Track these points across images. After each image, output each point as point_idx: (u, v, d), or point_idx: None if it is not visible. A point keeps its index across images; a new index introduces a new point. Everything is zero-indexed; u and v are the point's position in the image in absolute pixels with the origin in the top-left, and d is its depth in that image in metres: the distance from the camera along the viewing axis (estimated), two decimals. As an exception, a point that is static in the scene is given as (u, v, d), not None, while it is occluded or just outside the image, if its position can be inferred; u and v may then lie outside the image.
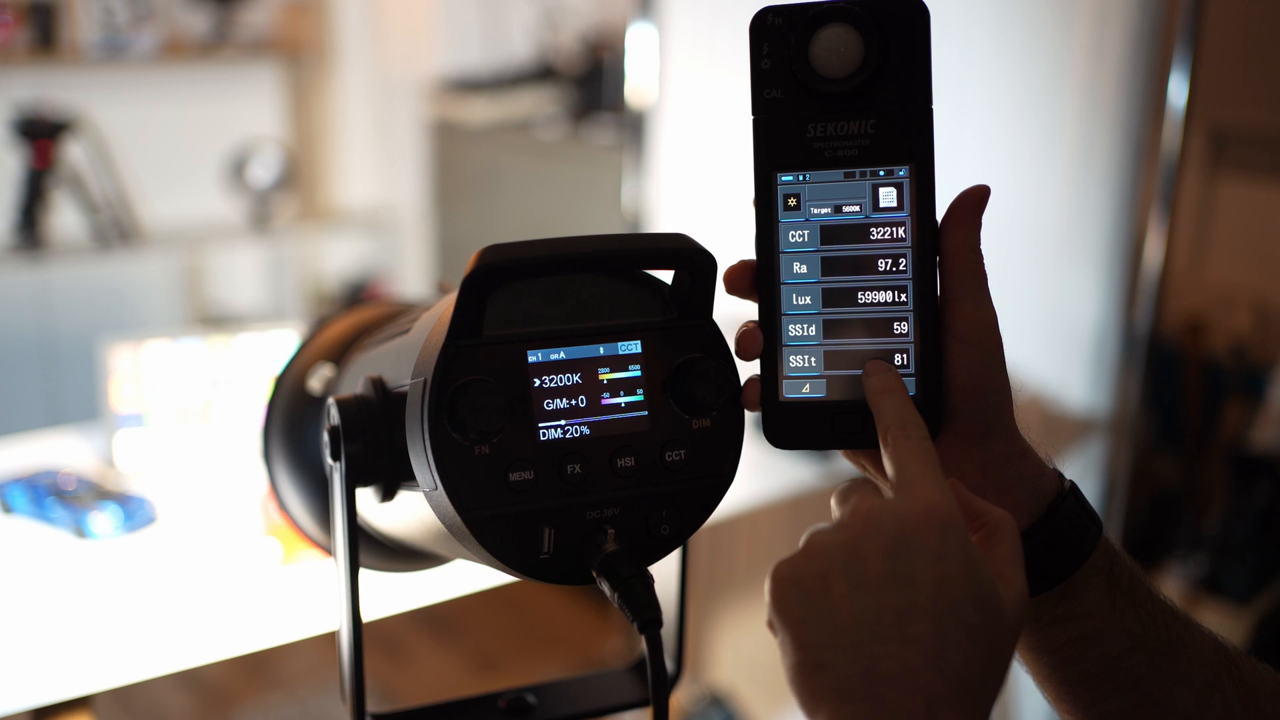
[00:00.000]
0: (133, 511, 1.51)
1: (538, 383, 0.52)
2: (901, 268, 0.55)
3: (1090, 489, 2.06)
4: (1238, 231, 2.84)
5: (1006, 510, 0.55)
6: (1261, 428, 2.57)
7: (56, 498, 1.52)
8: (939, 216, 0.56)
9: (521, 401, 0.51)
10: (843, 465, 1.80)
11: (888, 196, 0.55)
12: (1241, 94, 2.72)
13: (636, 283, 0.55)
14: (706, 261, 0.54)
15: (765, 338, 0.56)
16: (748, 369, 0.58)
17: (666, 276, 0.56)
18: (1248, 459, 2.52)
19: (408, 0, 4.02)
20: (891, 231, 0.55)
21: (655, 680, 0.51)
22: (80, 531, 1.47)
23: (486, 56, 3.93)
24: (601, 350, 0.53)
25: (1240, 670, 0.57)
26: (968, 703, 0.44)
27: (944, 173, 0.56)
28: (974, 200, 0.55)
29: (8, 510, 1.53)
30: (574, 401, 0.53)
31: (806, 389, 0.56)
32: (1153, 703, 0.56)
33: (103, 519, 1.48)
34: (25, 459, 1.68)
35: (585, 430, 0.52)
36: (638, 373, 0.54)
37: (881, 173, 0.55)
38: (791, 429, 0.57)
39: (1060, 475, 0.58)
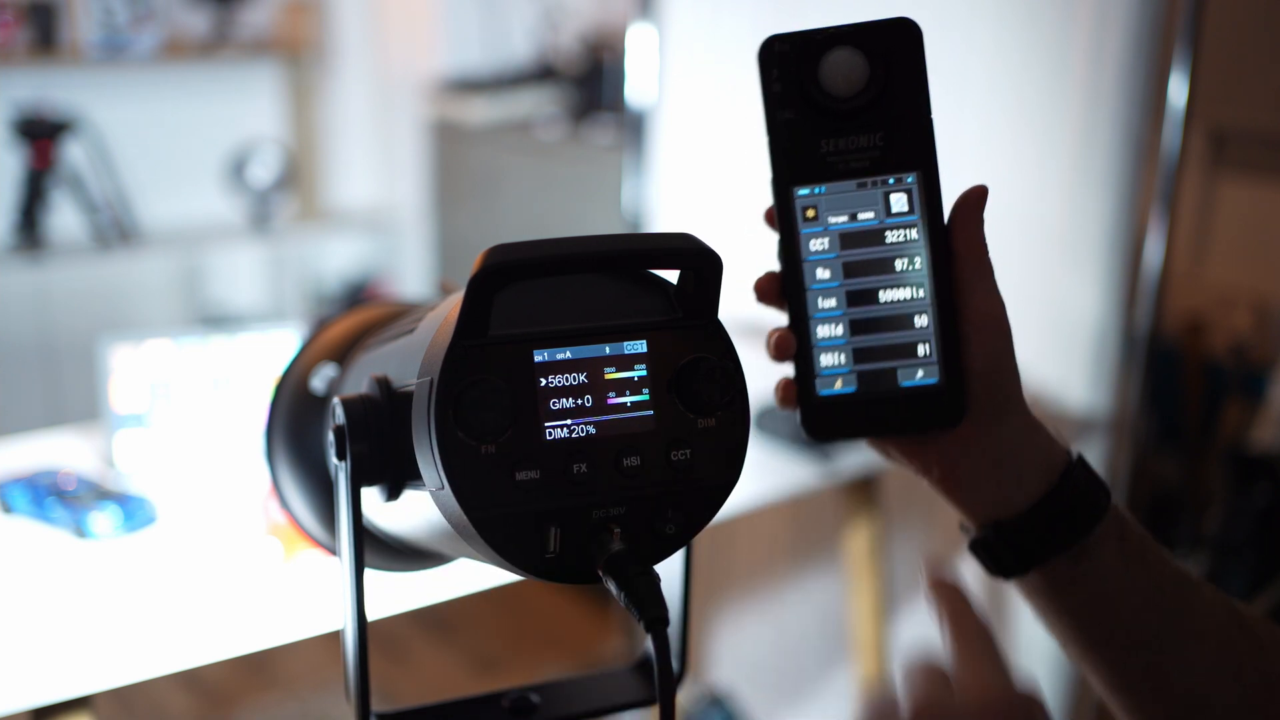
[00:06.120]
0: (133, 511, 1.51)
1: (544, 382, 0.52)
2: (917, 266, 0.60)
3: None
4: (1238, 231, 2.84)
5: (1023, 479, 0.60)
6: (1261, 428, 2.57)
7: (56, 498, 1.51)
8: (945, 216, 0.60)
9: (528, 401, 0.51)
10: (843, 466, 1.80)
11: (899, 202, 0.60)
12: (1241, 94, 2.72)
13: (642, 282, 0.55)
14: (712, 261, 0.54)
15: (797, 340, 0.61)
16: (779, 370, 0.62)
17: (672, 276, 0.56)
18: (1248, 459, 2.52)
19: (408, 0, 4.02)
20: (905, 233, 0.60)
21: (662, 679, 0.51)
22: (80, 531, 1.47)
23: (486, 56, 3.93)
24: (607, 350, 0.53)
25: (1253, 629, 0.61)
26: None
27: (946, 173, 0.60)
28: (975, 199, 0.60)
29: (8, 510, 1.53)
30: (580, 401, 0.52)
31: (839, 384, 0.61)
32: (1168, 659, 0.60)
33: (103, 519, 1.48)
34: (25, 459, 1.68)
35: (591, 430, 0.52)
36: (644, 372, 0.53)
37: (891, 180, 0.60)
38: (828, 423, 0.62)
39: (1068, 448, 0.63)
